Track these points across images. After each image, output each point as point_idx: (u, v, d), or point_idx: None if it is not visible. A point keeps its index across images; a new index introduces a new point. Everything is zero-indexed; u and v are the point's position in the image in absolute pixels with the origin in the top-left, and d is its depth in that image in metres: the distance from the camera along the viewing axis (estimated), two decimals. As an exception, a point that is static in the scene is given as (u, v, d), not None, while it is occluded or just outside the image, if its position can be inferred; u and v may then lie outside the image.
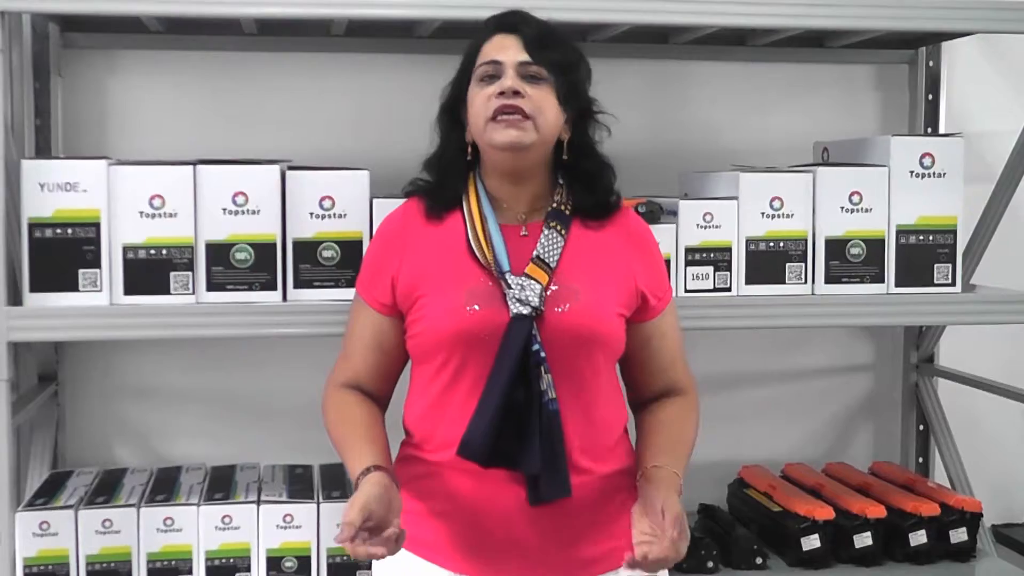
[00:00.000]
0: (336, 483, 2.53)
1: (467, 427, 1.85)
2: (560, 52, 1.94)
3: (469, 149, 1.99)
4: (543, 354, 1.85)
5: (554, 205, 1.96)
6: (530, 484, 1.86)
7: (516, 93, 1.88)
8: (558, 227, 1.94)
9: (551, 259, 1.91)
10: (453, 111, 2.01)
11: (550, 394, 1.84)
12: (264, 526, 2.39)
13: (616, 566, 1.89)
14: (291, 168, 2.34)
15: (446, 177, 2.00)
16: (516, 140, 1.88)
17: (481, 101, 1.91)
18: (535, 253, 1.91)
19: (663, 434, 2.00)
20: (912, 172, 2.50)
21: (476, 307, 1.88)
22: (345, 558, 2.41)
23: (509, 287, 1.87)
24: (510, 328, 1.85)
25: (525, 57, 1.91)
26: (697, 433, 2.06)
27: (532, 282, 1.87)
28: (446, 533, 1.93)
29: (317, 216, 2.31)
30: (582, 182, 1.98)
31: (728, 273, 2.45)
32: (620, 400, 2.02)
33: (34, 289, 2.23)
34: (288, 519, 2.40)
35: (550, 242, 1.92)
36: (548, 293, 1.88)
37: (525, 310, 1.85)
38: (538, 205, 1.98)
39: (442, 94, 2.03)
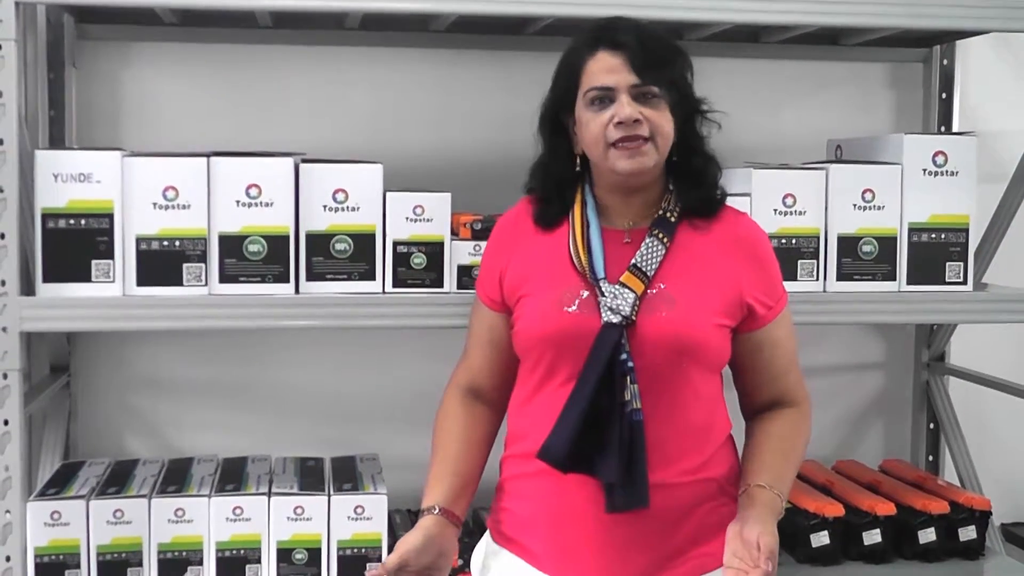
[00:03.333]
0: (347, 476, 2.54)
1: (550, 431, 1.85)
2: (667, 65, 1.90)
3: (578, 160, 1.97)
4: (630, 364, 1.83)
5: (660, 212, 1.93)
6: (607, 492, 1.85)
7: (636, 121, 1.85)
8: (661, 235, 1.91)
9: (648, 268, 1.88)
10: (555, 121, 1.97)
11: (634, 404, 1.83)
12: (275, 518, 2.40)
13: (698, 574, 1.89)
14: (305, 161, 2.34)
15: (557, 190, 1.99)
16: (640, 167, 1.87)
17: (598, 128, 1.88)
18: (632, 262, 1.89)
19: (770, 449, 1.95)
20: (925, 170, 2.49)
21: (571, 309, 1.88)
22: (355, 551, 2.41)
23: (602, 294, 1.87)
24: (599, 336, 1.84)
25: (636, 80, 1.87)
26: (806, 447, 2.01)
27: (626, 291, 1.86)
28: (531, 532, 1.94)
29: (330, 209, 2.32)
30: (689, 179, 1.95)
31: (740, 269, 2.45)
32: (720, 410, 1.97)
33: (47, 279, 2.23)
34: (299, 511, 2.40)
35: (650, 251, 1.89)
36: (642, 302, 1.87)
37: (615, 319, 1.84)
38: (647, 212, 1.95)
39: (542, 104, 1.99)
